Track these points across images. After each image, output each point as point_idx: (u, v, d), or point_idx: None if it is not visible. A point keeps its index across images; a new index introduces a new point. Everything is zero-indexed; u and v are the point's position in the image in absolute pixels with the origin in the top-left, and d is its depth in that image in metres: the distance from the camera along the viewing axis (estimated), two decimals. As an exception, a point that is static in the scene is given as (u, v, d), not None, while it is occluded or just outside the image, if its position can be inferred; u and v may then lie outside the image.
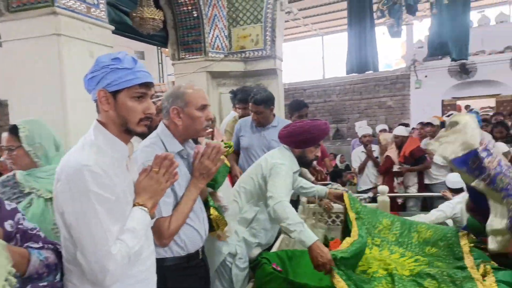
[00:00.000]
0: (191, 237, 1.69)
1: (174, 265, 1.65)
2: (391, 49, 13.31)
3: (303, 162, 2.44)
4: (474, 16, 10.73)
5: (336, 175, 6.13)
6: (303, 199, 3.26)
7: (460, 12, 6.36)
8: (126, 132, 1.30)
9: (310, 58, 14.35)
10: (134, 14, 3.86)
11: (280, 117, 3.66)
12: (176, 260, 1.66)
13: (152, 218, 1.35)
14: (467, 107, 10.25)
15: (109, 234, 1.17)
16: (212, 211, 1.82)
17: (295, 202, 3.04)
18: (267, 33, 5.03)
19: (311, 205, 3.26)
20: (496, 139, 4.82)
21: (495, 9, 11.57)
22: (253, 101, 3.16)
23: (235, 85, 5.01)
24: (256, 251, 2.35)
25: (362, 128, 5.54)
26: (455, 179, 3.89)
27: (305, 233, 1.96)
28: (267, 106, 3.17)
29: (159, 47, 9.08)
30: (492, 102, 10.91)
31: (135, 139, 1.40)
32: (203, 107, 1.69)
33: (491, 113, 7.68)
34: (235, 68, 5.18)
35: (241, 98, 3.71)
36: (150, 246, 1.41)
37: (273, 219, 2.18)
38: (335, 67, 12.65)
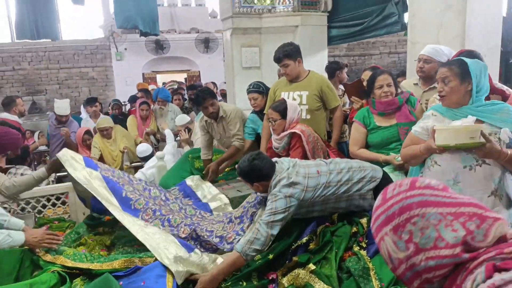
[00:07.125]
0: None
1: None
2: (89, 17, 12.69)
3: None
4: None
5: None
6: None
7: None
8: None
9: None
10: None
11: None
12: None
13: None
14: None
15: None
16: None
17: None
18: None
19: None
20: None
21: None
22: None
23: None
24: None
25: (59, 108, 4.77)
26: (142, 148, 4.18)
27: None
28: None
29: None
30: (184, 76, 12.43)
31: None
32: None
33: (181, 86, 8.66)
34: None
35: None
36: None
37: None
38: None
